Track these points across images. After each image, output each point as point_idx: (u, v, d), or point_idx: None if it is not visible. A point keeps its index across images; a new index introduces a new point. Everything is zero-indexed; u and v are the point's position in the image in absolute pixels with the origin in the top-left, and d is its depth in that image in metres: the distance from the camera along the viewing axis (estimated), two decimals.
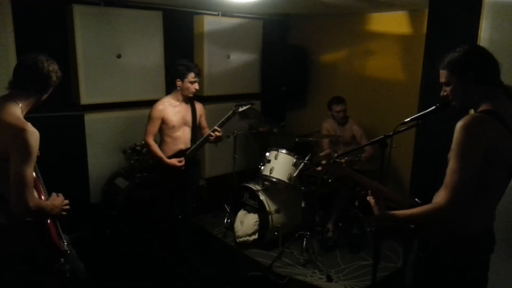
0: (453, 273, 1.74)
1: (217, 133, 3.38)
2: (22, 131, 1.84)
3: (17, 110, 1.92)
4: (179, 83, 3.33)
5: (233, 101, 4.93)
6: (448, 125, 1.65)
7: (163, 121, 3.34)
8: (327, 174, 3.85)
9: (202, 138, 3.44)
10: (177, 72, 3.32)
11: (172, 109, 3.37)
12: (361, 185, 1.98)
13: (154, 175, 3.74)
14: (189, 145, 3.47)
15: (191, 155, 3.44)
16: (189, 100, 3.48)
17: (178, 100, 3.40)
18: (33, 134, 1.87)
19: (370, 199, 1.88)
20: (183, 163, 3.36)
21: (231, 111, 3.45)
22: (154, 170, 3.62)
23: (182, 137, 3.44)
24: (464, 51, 1.70)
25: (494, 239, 1.80)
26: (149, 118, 3.33)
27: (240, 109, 3.48)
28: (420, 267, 1.83)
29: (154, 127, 3.33)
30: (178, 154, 3.41)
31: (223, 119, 3.43)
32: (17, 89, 1.98)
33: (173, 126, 3.36)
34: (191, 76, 3.31)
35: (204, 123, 3.64)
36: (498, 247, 1.82)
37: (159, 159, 3.34)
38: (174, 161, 3.34)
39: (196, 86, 3.37)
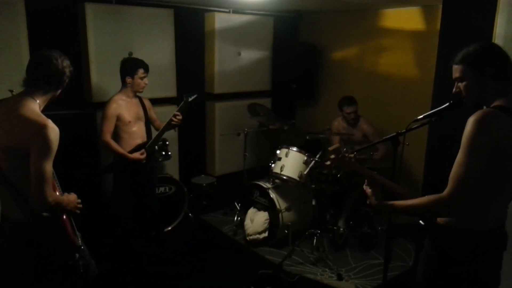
0: (465, 271, 1.72)
1: (178, 117, 3.45)
2: (43, 127, 1.86)
3: (36, 107, 1.95)
4: (129, 80, 3.36)
5: (243, 99, 5.00)
6: (462, 122, 1.62)
7: (118, 118, 3.37)
8: (336, 169, 3.82)
9: (164, 125, 3.48)
10: (126, 69, 3.35)
11: (125, 105, 3.40)
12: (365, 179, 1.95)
13: (117, 173, 3.63)
14: (145, 139, 3.53)
15: (152, 148, 3.51)
16: (137, 96, 3.53)
17: (128, 97, 3.43)
18: (54, 130, 1.89)
19: (367, 188, 1.85)
20: (144, 155, 3.42)
21: (182, 101, 3.49)
22: (116, 168, 3.58)
23: (138, 131, 3.50)
24: (481, 47, 1.67)
25: (507, 236, 1.77)
26: (104, 117, 3.35)
27: (190, 99, 3.49)
28: (431, 265, 1.80)
29: (110, 126, 3.34)
30: (137, 148, 3.45)
31: (180, 105, 3.48)
32: (32, 86, 1.99)
33: (129, 122, 3.41)
34: (140, 72, 3.36)
35: (154, 115, 3.71)
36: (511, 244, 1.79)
37: (122, 156, 3.36)
38: (136, 155, 3.39)
39: (146, 81, 3.43)
